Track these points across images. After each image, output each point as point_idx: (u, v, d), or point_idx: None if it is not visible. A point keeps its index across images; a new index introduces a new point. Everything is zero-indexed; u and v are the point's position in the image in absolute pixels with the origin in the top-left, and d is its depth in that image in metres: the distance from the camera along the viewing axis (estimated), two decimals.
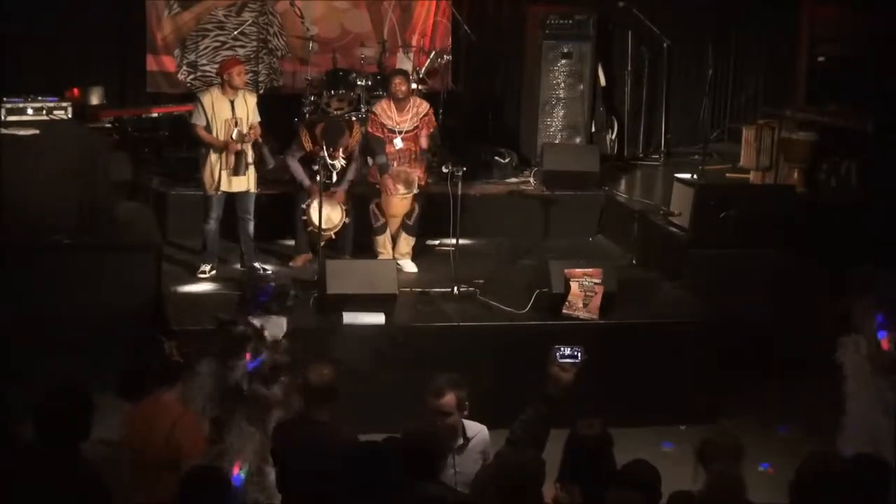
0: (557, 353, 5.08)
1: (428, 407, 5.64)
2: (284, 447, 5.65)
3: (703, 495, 4.81)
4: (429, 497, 4.74)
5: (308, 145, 9.48)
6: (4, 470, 4.64)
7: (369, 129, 9.77)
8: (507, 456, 4.90)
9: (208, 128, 9.19)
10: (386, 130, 9.66)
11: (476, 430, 5.76)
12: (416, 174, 9.62)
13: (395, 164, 9.63)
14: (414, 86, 11.18)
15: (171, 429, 5.30)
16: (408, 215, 9.68)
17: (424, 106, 9.82)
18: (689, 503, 4.76)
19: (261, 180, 9.53)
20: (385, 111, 9.72)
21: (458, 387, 5.65)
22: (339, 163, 9.36)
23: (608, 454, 4.96)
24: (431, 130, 9.81)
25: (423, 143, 9.75)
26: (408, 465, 4.75)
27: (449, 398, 5.60)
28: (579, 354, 5.07)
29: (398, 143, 9.65)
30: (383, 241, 9.70)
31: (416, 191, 9.56)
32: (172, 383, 5.47)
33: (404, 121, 9.68)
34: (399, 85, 9.67)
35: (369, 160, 9.89)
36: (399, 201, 9.57)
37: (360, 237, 9.77)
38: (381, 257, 9.67)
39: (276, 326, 6.74)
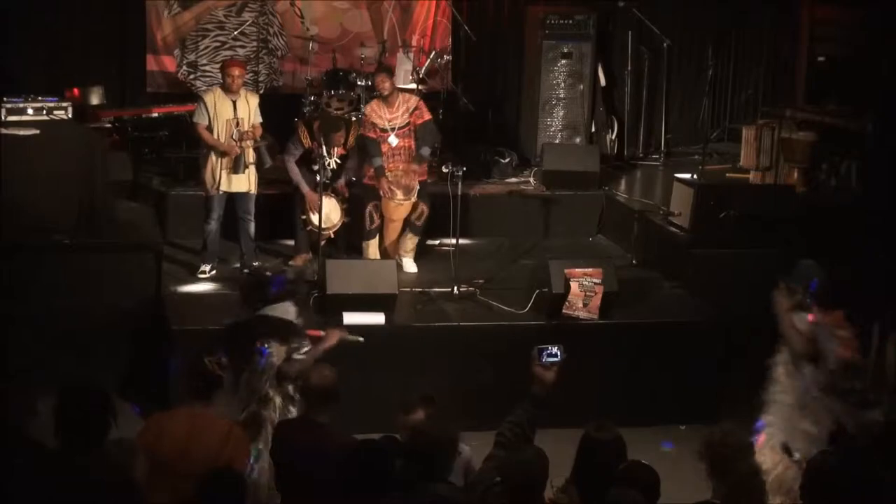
0: (540, 353, 5.12)
1: (396, 423, 5.59)
2: (284, 448, 5.65)
3: (727, 496, 4.81)
4: (438, 497, 4.74)
5: (306, 142, 9.46)
6: (8, 468, 4.62)
7: (362, 132, 9.66)
8: (510, 455, 4.90)
9: (210, 127, 9.19)
10: (378, 130, 9.49)
11: None
12: (416, 182, 9.47)
13: (393, 163, 9.49)
14: (413, 86, 11.22)
15: (222, 444, 5.22)
16: (417, 217, 9.60)
17: (413, 100, 9.68)
18: None
19: (261, 180, 9.52)
20: (375, 111, 9.56)
21: (428, 403, 5.59)
22: (335, 161, 9.36)
23: (622, 456, 4.96)
24: (422, 121, 9.57)
25: (412, 143, 9.54)
26: (413, 466, 4.73)
27: (418, 415, 5.53)
28: (559, 353, 5.10)
29: (393, 140, 9.49)
30: (373, 248, 9.62)
31: (413, 198, 9.48)
32: (209, 398, 5.44)
33: (395, 117, 9.53)
34: (381, 82, 9.49)
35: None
36: (397, 207, 9.51)
37: (357, 240, 9.73)
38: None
39: (285, 313, 6.75)
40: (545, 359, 5.11)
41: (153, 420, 5.45)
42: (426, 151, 9.57)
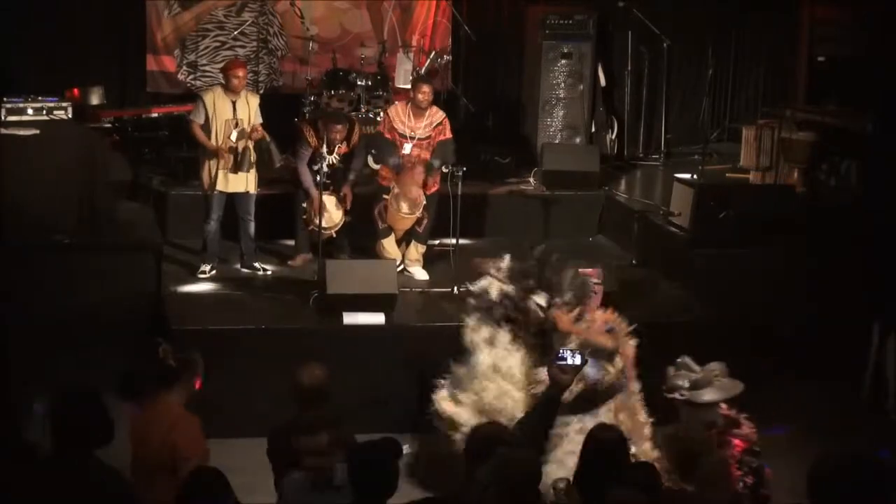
0: (559, 356, 5.08)
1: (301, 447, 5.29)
2: (277, 450, 5.61)
3: (698, 488, 4.82)
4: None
5: (313, 141, 9.39)
6: (11, 472, 4.62)
7: (380, 130, 9.61)
8: (505, 455, 4.89)
9: (206, 126, 9.17)
10: (397, 135, 9.39)
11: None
12: (423, 197, 9.34)
13: (405, 170, 9.38)
14: None
15: (168, 431, 5.29)
16: (418, 223, 9.51)
17: (440, 115, 9.52)
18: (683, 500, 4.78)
19: (261, 180, 9.50)
20: (399, 115, 9.43)
21: (332, 426, 5.32)
22: (335, 158, 9.30)
23: (624, 456, 4.95)
24: (443, 139, 9.45)
25: (428, 155, 9.42)
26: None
27: (320, 438, 5.23)
28: (580, 358, 5.07)
29: (407, 148, 9.38)
30: (389, 245, 9.56)
31: (419, 214, 9.40)
32: (169, 386, 5.46)
33: (419, 128, 9.41)
34: (427, 94, 9.33)
35: (369, 159, 9.86)
36: (401, 217, 9.44)
37: (358, 239, 9.72)
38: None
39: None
40: (565, 362, 5.06)
41: (134, 422, 5.47)
42: (436, 163, 9.42)
